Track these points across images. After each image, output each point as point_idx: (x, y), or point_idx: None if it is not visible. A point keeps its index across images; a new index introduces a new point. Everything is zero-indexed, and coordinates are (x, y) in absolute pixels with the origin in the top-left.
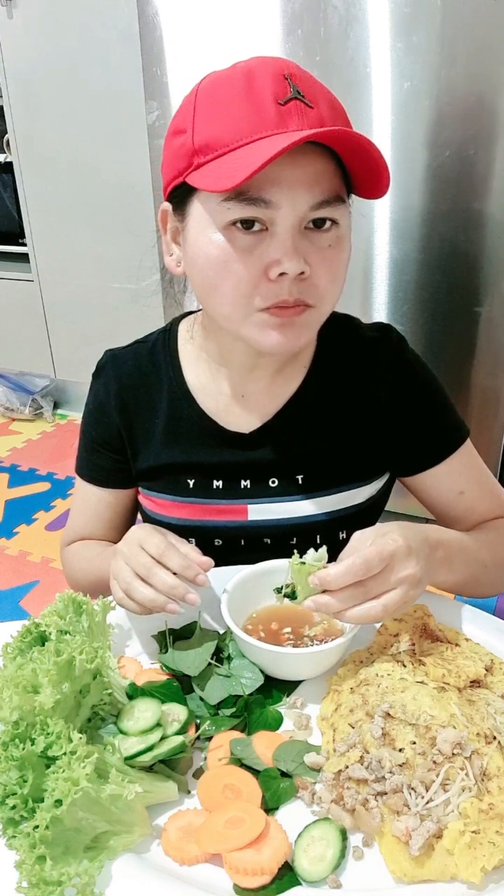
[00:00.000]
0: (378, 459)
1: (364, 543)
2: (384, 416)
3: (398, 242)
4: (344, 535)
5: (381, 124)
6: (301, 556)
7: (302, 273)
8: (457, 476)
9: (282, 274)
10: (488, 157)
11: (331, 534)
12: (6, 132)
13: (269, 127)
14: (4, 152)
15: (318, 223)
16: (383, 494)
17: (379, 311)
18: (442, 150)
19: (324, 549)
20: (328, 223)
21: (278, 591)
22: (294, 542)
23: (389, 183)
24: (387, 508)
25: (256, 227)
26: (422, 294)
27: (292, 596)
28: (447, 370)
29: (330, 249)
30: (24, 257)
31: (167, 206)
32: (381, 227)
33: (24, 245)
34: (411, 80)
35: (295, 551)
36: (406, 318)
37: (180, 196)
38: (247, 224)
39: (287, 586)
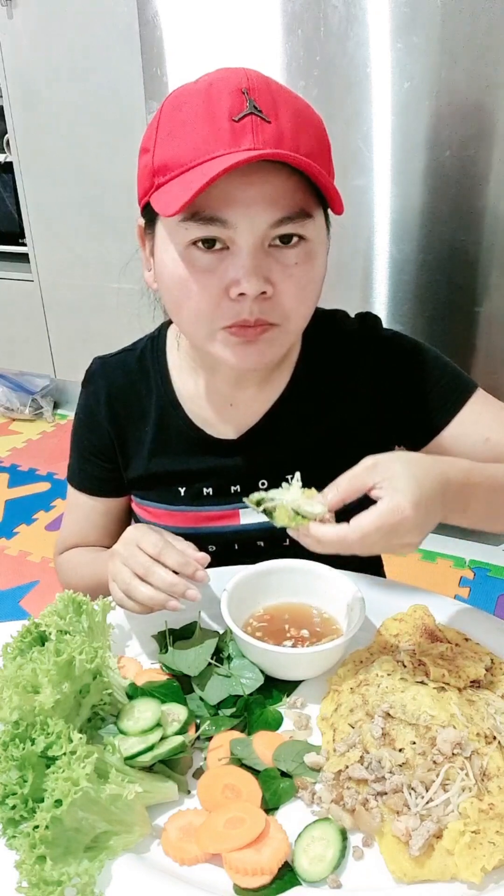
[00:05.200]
0: (372, 452)
1: (368, 475)
2: (376, 402)
3: (398, 242)
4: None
5: (381, 124)
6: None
7: (264, 293)
8: (474, 425)
9: (242, 294)
10: (488, 156)
11: None
12: (6, 132)
13: (221, 145)
14: (4, 152)
15: (284, 240)
16: None
17: (379, 311)
18: (442, 150)
19: (321, 495)
20: (294, 239)
21: (258, 503)
22: (287, 543)
23: (341, 203)
24: None
25: (217, 245)
26: (422, 294)
27: (270, 514)
28: (452, 362)
29: (296, 267)
30: (24, 257)
31: (143, 221)
32: (381, 227)
33: (24, 245)
34: (411, 80)
35: (291, 481)
36: (406, 318)
37: (149, 215)
38: (207, 243)
39: (270, 500)
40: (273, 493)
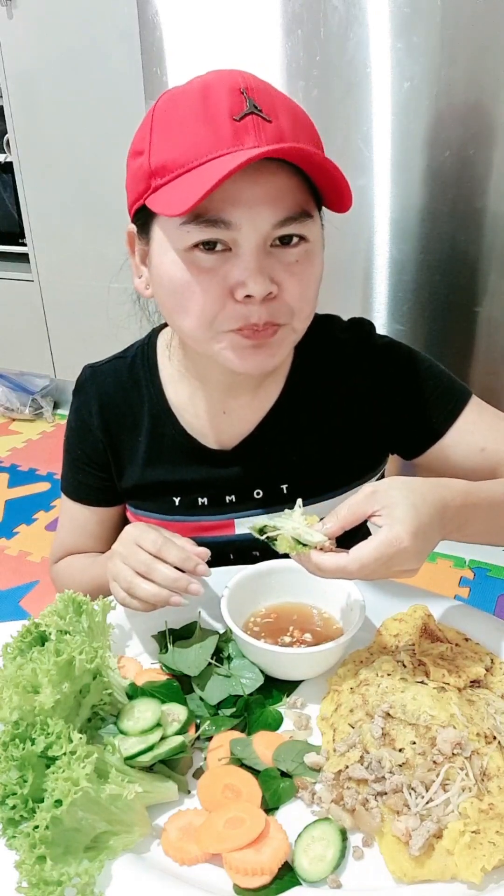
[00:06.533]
0: (366, 461)
1: (367, 503)
2: (371, 411)
3: (398, 242)
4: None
5: (381, 124)
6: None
7: (270, 293)
8: (470, 436)
9: (248, 296)
10: (488, 157)
11: None
12: (6, 132)
13: (224, 145)
14: (4, 152)
15: (285, 240)
16: None
17: (379, 311)
18: (442, 150)
19: (321, 524)
20: (295, 239)
21: (260, 531)
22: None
23: (351, 197)
24: None
25: (219, 247)
26: (422, 294)
27: (272, 542)
28: (447, 370)
29: (298, 265)
30: (24, 257)
31: (133, 228)
32: (381, 227)
33: (24, 245)
34: (411, 80)
35: (292, 509)
36: (406, 318)
37: (143, 218)
38: (208, 245)
39: (273, 528)
40: (275, 520)
